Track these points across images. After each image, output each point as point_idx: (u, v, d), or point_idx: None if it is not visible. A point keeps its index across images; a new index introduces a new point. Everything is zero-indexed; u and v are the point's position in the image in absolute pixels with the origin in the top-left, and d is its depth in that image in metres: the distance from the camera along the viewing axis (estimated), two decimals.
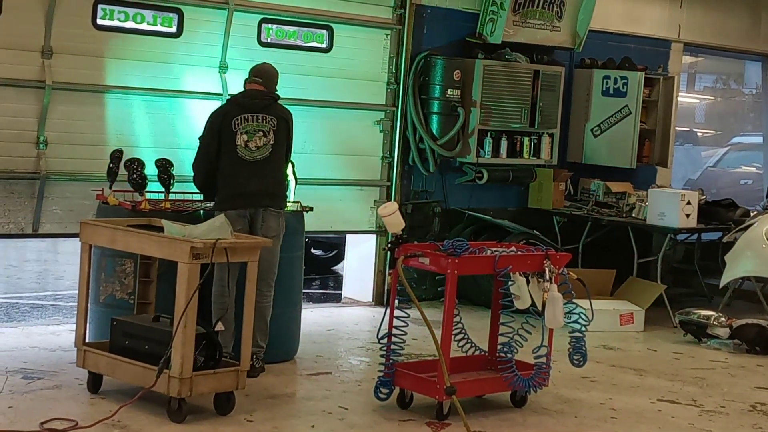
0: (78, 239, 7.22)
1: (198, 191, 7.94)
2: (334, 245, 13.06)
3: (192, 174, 7.84)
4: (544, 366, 7.27)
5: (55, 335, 8.58)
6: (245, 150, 7.58)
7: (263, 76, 7.89)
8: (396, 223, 7.04)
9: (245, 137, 7.59)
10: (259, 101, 7.71)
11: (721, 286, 10.47)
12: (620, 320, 10.18)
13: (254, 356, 7.49)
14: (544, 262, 7.19)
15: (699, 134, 21.00)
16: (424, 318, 6.80)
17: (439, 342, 6.80)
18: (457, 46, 10.87)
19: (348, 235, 10.83)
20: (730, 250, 11.57)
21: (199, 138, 7.81)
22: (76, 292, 11.01)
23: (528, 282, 7.24)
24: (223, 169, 7.66)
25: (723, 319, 9.84)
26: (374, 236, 10.58)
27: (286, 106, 7.92)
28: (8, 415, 6.46)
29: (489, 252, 7.23)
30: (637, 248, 10.79)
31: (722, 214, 11.01)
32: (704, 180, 17.08)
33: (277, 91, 7.92)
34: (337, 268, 13.28)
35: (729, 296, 10.92)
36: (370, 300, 10.66)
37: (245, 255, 6.71)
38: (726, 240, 10.61)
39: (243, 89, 7.90)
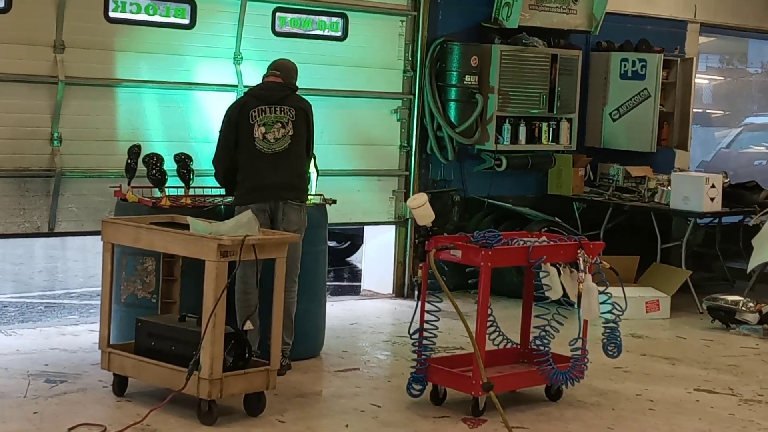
0: (95, 237, 7.03)
1: (219, 186, 7.74)
2: (348, 236, 12.88)
3: (213, 170, 7.66)
4: (582, 358, 7.08)
5: (74, 336, 8.40)
6: (263, 142, 7.39)
7: (282, 69, 7.72)
8: (426, 215, 6.85)
9: (263, 129, 7.40)
10: (276, 92, 7.52)
11: (748, 270, 10.25)
12: (646, 307, 10.00)
13: (283, 353, 7.30)
14: (578, 251, 7.01)
15: (712, 115, 20.80)
16: (459, 312, 6.62)
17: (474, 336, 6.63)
18: (472, 32, 10.66)
19: (366, 227, 10.64)
20: (751, 233, 11.41)
21: (219, 132, 7.62)
22: (89, 290, 11.13)
23: (559, 272, 7.07)
24: (242, 163, 7.47)
25: (751, 304, 9.67)
26: (393, 227, 10.39)
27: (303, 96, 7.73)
28: (34, 422, 6.28)
29: (520, 242, 7.04)
30: (660, 232, 10.62)
31: (747, 197, 10.82)
32: (717, 161, 16.86)
33: (296, 85, 7.74)
34: (351, 259, 13.12)
35: (754, 280, 10.72)
36: (391, 292, 10.47)
37: (273, 251, 6.52)
38: (753, 224, 10.40)
39: (261, 83, 7.72)
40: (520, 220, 10.50)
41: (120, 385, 6.83)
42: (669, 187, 10.73)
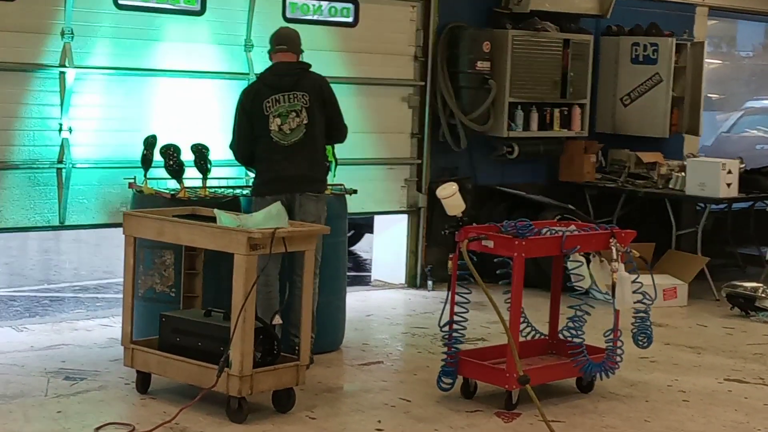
0: (114, 229, 6.83)
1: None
2: (352, 225, 12.67)
3: (230, 159, 7.47)
4: (616, 349, 6.94)
5: (87, 331, 8.20)
6: (279, 134, 7.18)
7: (287, 42, 7.43)
8: (456, 205, 6.69)
9: (278, 120, 7.18)
10: (289, 78, 7.26)
11: (767, 257, 10.16)
12: (663, 295, 9.86)
13: (297, 347, 7.09)
14: (611, 240, 6.86)
15: (713, 98, 20.68)
16: (494, 304, 6.46)
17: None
18: (484, 17, 10.50)
19: (376, 216, 10.47)
20: (761, 218, 11.33)
21: (234, 120, 7.42)
22: (92, 282, 10.92)
23: (589, 262, 6.92)
24: (259, 154, 7.29)
25: None
26: (405, 216, 10.22)
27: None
28: (59, 422, 6.09)
29: (550, 232, 6.88)
30: (669, 220, 10.49)
31: (762, 182, 10.70)
32: (719, 146, 16.73)
33: (302, 51, 7.49)
34: (355, 248, 12.92)
35: None
36: (403, 282, 10.31)
37: (302, 244, 6.34)
38: None
39: (270, 63, 7.47)
40: (533, 208, 10.35)
41: (143, 383, 6.65)
42: (682, 173, 10.60)
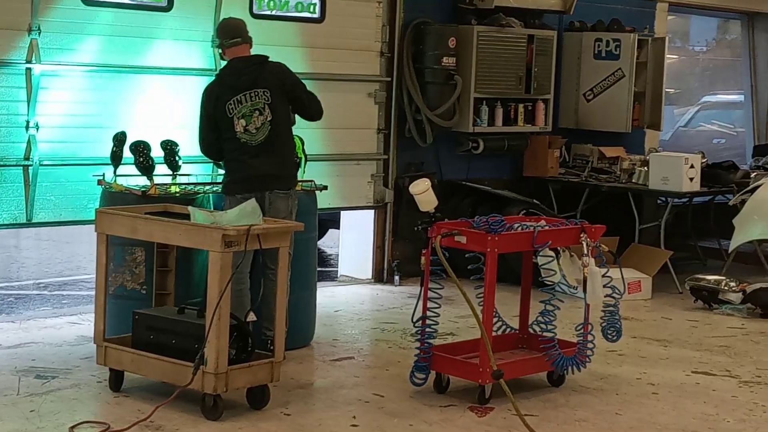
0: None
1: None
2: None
3: (199, 156, 7.49)
4: (588, 343, 7.01)
5: (56, 329, 8.15)
6: (246, 135, 7.12)
7: (241, 35, 7.33)
8: (429, 201, 6.73)
9: (243, 122, 7.12)
10: (247, 76, 7.17)
11: (730, 250, 10.29)
12: (628, 289, 9.93)
13: (269, 341, 7.05)
14: (581, 235, 6.92)
15: (669, 93, 20.90)
16: (468, 300, 6.50)
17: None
18: (449, 13, 10.53)
19: (343, 212, 10.48)
20: (721, 211, 11.45)
21: (199, 119, 7.37)
22: (58, 279, 10.84)
23: (558, 256, 6.98)
24: (227, 154, 7.26)
25: (733, 284, 9.67)
26: (372, 211, 10.24)
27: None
28: (33, 421, 6.06)
29: (521, 227, 6.93)
30: (632, 214, 10.58)
31: (723, 177, 10.83)
32: (676, 140, 16.92)
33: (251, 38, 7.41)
34: (320, 244, 12.89)
35: (731, 259, 10.71)
36: (370, 277, 10.34)
37: (277, 241, 6.34)
38: (732, 203, 10.39)
39: (224, 60, 7.39)
40: (498, 202, 10.41)
41: (116, 381, 6.63)
42: (645, 168, 10.70)
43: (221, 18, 8.69)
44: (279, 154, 7.28)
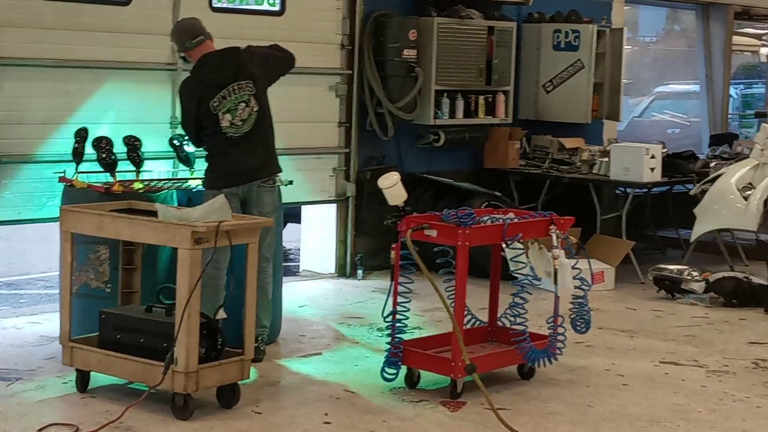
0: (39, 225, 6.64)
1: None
2: None
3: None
4: (559, 335, 6.99)
5: (17, 329, 8.00)
6: (232, 128, 7.08)
7: (204, 32, 7.24)
8: (398, 195, 6.68)
9: (229, 116, 7.07)
10: (224, 69, 7.11)
11: (692, 239, 10.33)
12: (592, 279, 9.93)
13: (258, 338, 7.08)
14: (550, 227, 6.90)
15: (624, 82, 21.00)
16: (440, 294, 6.47)
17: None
18: (409, 5, 10.47)
19: (304, 206, 10.39)
20: (679, 201, 11.50)
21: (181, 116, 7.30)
22: (14, 278, 10.65)
23: (526, 248, 6.96)
24: (212, 148, 7.19)
25: (696, 273, 9.70)
26: (334, 206, 10.17)
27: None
28: None
29: (490, 220, 6.90)
30: (592, 205, 10.60)
31: (683, 167, 10.86)
32: (631, 130, 16.98)
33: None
34: None
35: (692, 249, 10.75)
36: (332, 272, 10.27)
37: (247, 237, 6.25)
38: (693, 193, 10.43)
39: (190, 59, 7.26)
40: (460, 195, 10.38)
41: (83, 381, 6.51)
42: (605, 158, 10.71)
43: (179, 14, 8.63)
44: (265, 143, 7.28)
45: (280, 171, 7.42)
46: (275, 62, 7.43)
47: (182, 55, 7.41)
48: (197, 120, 7.10)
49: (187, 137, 7.55)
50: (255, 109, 7.12)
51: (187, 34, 7.24)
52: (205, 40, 7.21)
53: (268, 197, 7.23)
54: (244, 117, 7.08)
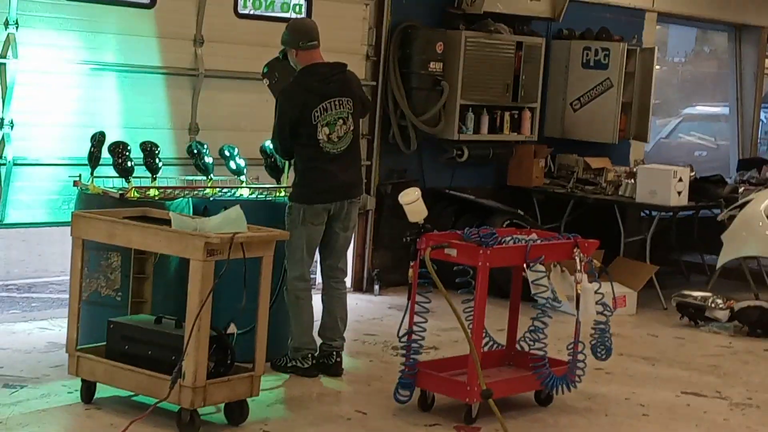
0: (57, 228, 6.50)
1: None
2: None
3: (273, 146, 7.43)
4: (579, 362, 6.79)
5: (26, 334, 7.86)
6: (329, 144, 7.04)
7: (317, 37, 7.18)
8: (418, 211, 6.50)
9: (327, 129, 7.02)
10: (335, 84, 7.08)
11: (718, 266, 10.11)
12: (612, 304, 9.73)
13: (334, 352, 7.15)
14: (574, 250, 6.71)
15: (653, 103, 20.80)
16: (458, 315, 6.27)
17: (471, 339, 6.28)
18: (437, 17, 10.30)
19: None
20: (706, 226, 11.27)
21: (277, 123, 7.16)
22: (26, 281, 10.52)
23: (548, 271, 6.77)
24: (306, 161, 7.11)
25: (720, 301, 9.48)
26: None
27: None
28: None
29: (513, 240, 6.71)
30: (616, 226, 10.40)
31: (711, 191, 10.64)
32: (657, 151, 16.76)
33: None
34: None
35: (716, 275, 10.52)
36: (349, 286, 10.01)
37: (261, 250, 6.08)
38: (720, 219, 10.21)
39: (294, 60, 7.14)
40: (481, 212, 10.20)
41: (88, 392, 6.35)
42: (631, 180, 10.52)
43: (203, 19, 8.48)
44: (356, 163, 7.37)
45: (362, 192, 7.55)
46: (366, 99, 7.61)
47: (283, 51, 7.26)
48: (293, 127, 7.01)
49: (273, 148, 7.42)
50: (351, 128, 7.12)
51: (306, 34, 7.16)
52: (317, 46, 7.16)
53: (355, 211, 7.31)
54: (340, 134, 7.05)
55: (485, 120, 10.45)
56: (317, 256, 7.39)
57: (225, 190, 7.55)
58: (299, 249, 7.08)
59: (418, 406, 6.63)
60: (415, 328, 6.57)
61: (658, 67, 22.35)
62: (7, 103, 7.64)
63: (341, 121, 7.05)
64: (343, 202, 7.15)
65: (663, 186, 10.07)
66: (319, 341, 7.34)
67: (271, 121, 7.25)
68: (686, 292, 9.71)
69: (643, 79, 11.58)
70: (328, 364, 7.24)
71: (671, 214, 10.98)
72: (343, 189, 7.15)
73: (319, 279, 7.93)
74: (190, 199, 7.38)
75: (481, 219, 9.80)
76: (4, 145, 7.65)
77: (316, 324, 7.36)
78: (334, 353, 7.23)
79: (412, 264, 6.53)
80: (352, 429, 6.28)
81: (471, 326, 6.37)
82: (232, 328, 6.22)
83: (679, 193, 10.09)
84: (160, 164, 7.49)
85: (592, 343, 7.00)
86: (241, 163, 7.78)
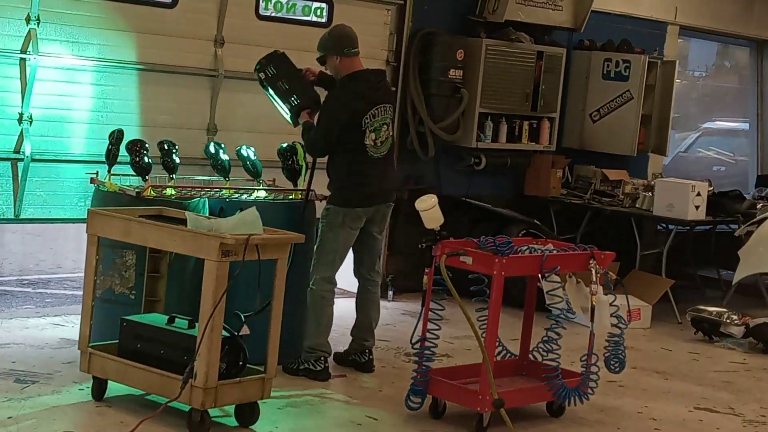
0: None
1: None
2: None
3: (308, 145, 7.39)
4: (592, 374, 6.75)
5: (39, 330, 7.86)
6: (374, 148, 7.17)
7: (358, 44, 7.34)
8: (435, 218, 6.48)
9: (373, 135, 7.16)
10: (380, 91, 7.26)
11: (734, 281, 10.05)
12: (627, 316, 9.68)
13: (367, 350, 7.38)
14: (590, 262, 6.67)
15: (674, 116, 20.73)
16: (472, 324, 6.24)
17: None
18: (458, 24, 10.28)
19: None
20: (723, 241, 11.21)
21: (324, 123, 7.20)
22: (41, 277, 10.53)
23: (563, 282, 6.74)
24: (351, 166, 7.19)
25: (735, 317, 9.42)
26: None
27: None
28: (10, 428, 5.78)
29: (529, 250, 6.68)
30: (632, 239, 10.35)
31: (729, 206, 10.58)
32: (675, 166, 16.65)
33: None
34: None
35: (732, 291, 10.47)
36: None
37: (276, 252, 6.06)
38: (738, 234, 10.15)
39: (336, 67, 7.21)
40: (498, 220, 10.17)
41: (99, 389, 6.35)
42: (649, 193, 10.48)
43: (225, 19, 8.48)
44: (393, 167, 7.47)
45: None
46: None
47: (324, 56, 7.28)
48: (342, 132, 7.09)
49: (308, 145, 7.39)
50: (391, 133, 7.27)
51: (350, 41, 7.30)
52: (358, 53, 7.29)
53: (388, 216, 7.49)
54: (383, 139, 7.19)
55: (504, 129, 10.43)
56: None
57: (241, 191, 7.52)
58: (332, 252, 7.22)
59: (429, 413, 6.61)
60: (428, 335, 6.55)
61: (678, 80, 22.33)
62: (27, 98, 7.66)
63: (385, 126, 7.20)
64: (380, 206, 7.28)
65: (681, 200, 10.02)
66: (334, 343, 7.46)
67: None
68: (701, 307, 9.65)
69: (663, 92, 11.53)
70: (361, 361, 7.47)
71: (688, 228, 10.92)
72: (384, 194, 7.33)
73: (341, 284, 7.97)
74: (206, 199, 7.37)
75: (498, 228, 9.77)
76: (23, 141, 7.66)
77: (337, 327, 7.40)
78: (367, 351, 7.45)
79: (426, 271, 6.50)
80: None
81: (484, 335, 6.34)
82: (245, 330, 6.20)
83: (697, 207, 10.04)
84: (178, 163, 7.47)
85: (606, 355, 6.96)
86: (259, 164, 7.78)
